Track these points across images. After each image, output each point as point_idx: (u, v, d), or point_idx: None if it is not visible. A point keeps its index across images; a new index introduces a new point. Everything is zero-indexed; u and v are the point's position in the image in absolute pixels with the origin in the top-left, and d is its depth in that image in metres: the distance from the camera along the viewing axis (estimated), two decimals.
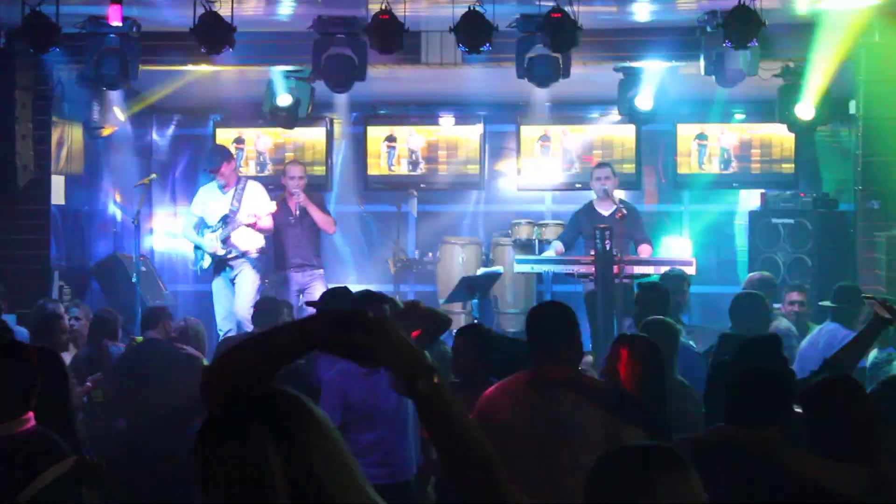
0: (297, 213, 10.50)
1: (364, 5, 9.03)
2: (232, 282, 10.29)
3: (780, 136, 11.53)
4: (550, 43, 8.71)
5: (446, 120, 12.39)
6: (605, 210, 10.23)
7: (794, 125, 10.44)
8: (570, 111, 12.27)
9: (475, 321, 10.22)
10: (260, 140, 12.38)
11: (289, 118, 10.86)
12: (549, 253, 10.43)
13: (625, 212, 9.83)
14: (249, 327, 9.19)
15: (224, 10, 8.48)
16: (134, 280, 10.05)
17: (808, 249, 10.58)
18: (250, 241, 10.27)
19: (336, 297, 6.79)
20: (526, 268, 10.25)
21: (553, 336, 4.47)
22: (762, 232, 10.89)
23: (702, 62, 9.45)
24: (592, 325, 9.23)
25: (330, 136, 12.33)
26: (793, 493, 3.66)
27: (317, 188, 11.46)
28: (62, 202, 10.43)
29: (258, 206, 10.20)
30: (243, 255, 10.24)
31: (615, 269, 9.13)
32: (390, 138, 12.34)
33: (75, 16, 9.08)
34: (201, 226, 10.37)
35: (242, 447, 1.94)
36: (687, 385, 5.77)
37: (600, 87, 10.91)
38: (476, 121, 12.30)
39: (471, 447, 2.00)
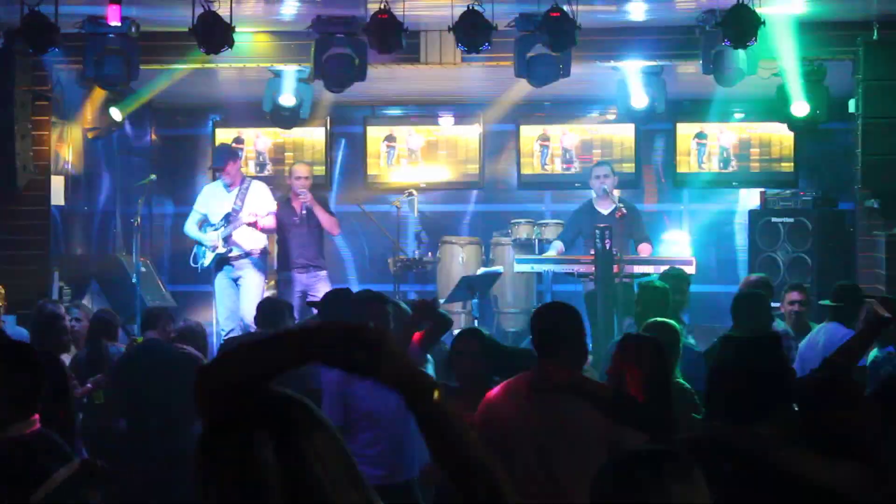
0: (302, 213, 10.49)
1: (363, 5, 9.01)
2: (235, 281, 10.29)
3: (779, 135, 11.53)
4: (549, 42, 8.70)
5: (446, 119, 12.39)
6: (604, 209, 10.23)
7: (793, 124, 10.43)
8: (569, 110, 12.27)
9: (475, 321, 10.25)
10: (259, 140, 12.38)
11: (290, 118, 10.85)
12: (550, 253, 10.43)
13: (624, 211, 9.83)
14: (254, 328, 9.18)
15: (223, 10, 8.47)
16: (134, 280, 10.05)
17: (808, 248, 10.58)
18: (252, 241, 10.27)
19: (338, 298, 6.81)
20: (526, 267, 10.27)
21: (556, 338, 4.46)
22: (762, 231, 10.89)
23: (700, 61, 9.44)
24: (592, 325, 9.22)
25: (330, 136, 12.32)
26: (786, 491, 3.66)
27: (316, 188, 11.45)
28: (62, 202, 10.40)
29: (260, 205, 10.21)
30: (246, 254, 10.24)
31: (615, 268, 9.14)
32: (390, 138, 12.33)
33: (74, 16, 9.06)
34: (205, 223, 10.40)
35: (242, 450, 1.94)
36: (687, 386, 5.76)
37: (599, 87, 10.91)
38: (475, 120, 12.30)
39: (471, 462, 1.99)
